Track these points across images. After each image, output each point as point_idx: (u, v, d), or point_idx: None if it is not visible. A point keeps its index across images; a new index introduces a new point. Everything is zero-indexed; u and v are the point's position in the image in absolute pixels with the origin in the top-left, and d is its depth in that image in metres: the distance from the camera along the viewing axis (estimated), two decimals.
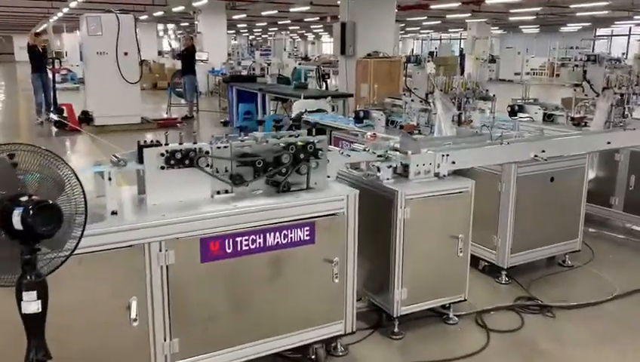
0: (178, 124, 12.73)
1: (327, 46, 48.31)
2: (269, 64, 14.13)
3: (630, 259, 5.10)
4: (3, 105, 18.22)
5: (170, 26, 35.13)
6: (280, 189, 3.09)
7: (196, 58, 15.14)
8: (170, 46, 30.96)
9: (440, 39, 44.68)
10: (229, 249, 2.83)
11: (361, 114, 5.82)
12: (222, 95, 16.05)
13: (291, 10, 22.93)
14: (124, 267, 2.61)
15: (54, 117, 12.08)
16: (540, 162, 4.13)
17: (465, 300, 3.81)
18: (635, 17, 27.82)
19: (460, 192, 3.61)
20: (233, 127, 11.69)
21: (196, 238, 2.74)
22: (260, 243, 2.91)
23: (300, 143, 3.12)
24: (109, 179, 2.70)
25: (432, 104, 4.89)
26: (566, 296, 4.25)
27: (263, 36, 46.73)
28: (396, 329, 3.63)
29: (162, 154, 2.82)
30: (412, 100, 5.29)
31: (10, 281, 1.99)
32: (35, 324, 2.00)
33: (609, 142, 4.59)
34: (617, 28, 36.50)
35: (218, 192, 2.99)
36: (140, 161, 2.82)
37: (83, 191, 2.16)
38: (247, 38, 46.77)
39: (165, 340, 2.75)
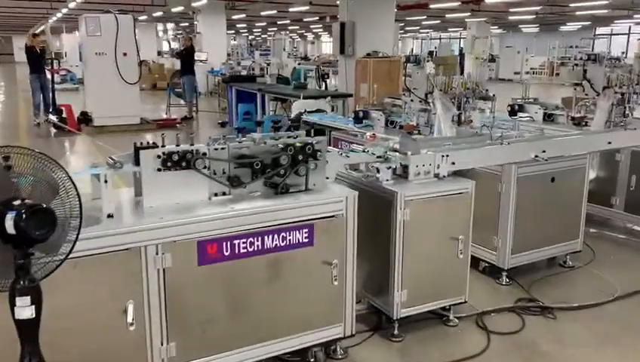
0: (177, 125, 12.71)
1: (327, 46, 48.26)
2: (268, 64, 14.10)
3: (631, 260, 5.07)
4: (2, 106, 18.20)
5: (170, 25, 35.09)
6: (278, 191, 3.06)
7: (195, 58, 15.11)
8: (169, 45, 30.94)
9: (439, 39, 44.66)
10: (226, 252, 2.80)
11: (361, 114, 5.79)
12: (221, 95, 16.02)
13: (291, 10, 22.90)
14: (120, 270, 2.58)
15: (53, 118, 12.05)
16: (541, 162, 4.11)
17: (465, 302, 3.78)
18: (635, 16, 27.79)
19: (460, 193, 3.58)
20: (232, 127, 11.66)
21: (193, 241, 2.71)
22: (258, 245, 2.88)
23: (298, 144, 3.09)
24: (105, 181, 2.67)
25: (431, 104, 4.86)
26: (567, 297, 4.22)
27: (263, 36, 46.71)
28: (396, 332, 3.61)
29: (159, 156, 2.79)
30: (411, 100, 5.26)
31: (4, 286, 1.97)
32: (28, 330, 1.98)
33: (610, 142, 4.57)
34: (617, 27, 36.46)
35: (216, 194, 2.96)
36: (137, 163, 2.80)
37: (78, 194, 2.14)
38: (247, 38, 46.77)
39: (162, 344, 2.72)
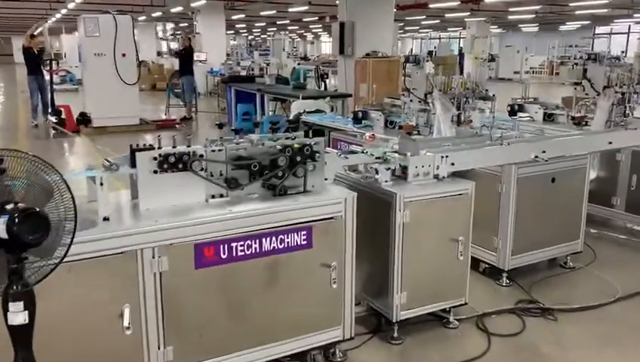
0: (177, 125, 12.68)
1: (327, 46, 48.26)
2: (267, 64, 14.07)
3: (632, 260, 5.04)
4: (1, 107, 18.18)
5: (169, 26, 35.07)
6: (276, 193, 3.03)
7: (195, 58, 15.06)
8: (168, 43, 30.89)
9: (439, 38, 44.66)
10: (224, 254, 2.77)
11: (360, 114, 5.77)
12: (221, 95, 16.00)
13: (290, 10, 22.88)
14: (116, 274, 2.55)
15: (52, 119, 12.02)
16: (541, 163, 4.08)
17: (466, 304, 3.75)
18: (635, 15, 27.77)
19: (459, 194, 3.55)
20: (232, 128, 11.62)
21: (190, 244, 2.69)
22: (255, 248, 2.85)
23: (296, 145, 3.07)
24: (101, 184, 2.64)
25: (431, 104, 4.83)
26: (568, 298, 4.19)
27: (262, 36, 46.69)
28: (396, 334, 3.58)
29: (155, 158, 2.76)
30: (411, 100, 5.23)
31: None
32: (22, 336, 1.95)
33: (610, 142, 4.54)
34: (616, 26, 36.45)
35: (213, 196, 2.93)
36: (133, 165, 2.77)
37: (72, 197, 2.11)
38: (246, 39, 46.76)
39: (159, 348, 2.69)
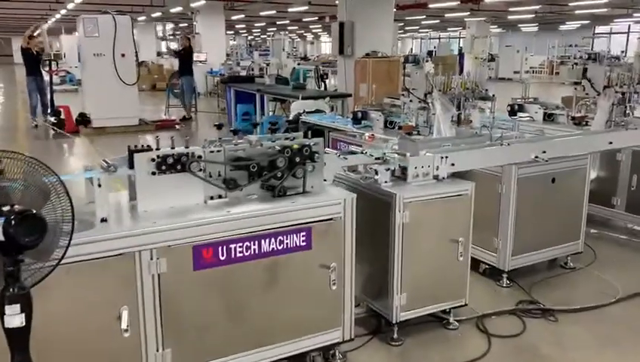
0: (176, 126, 12.67)
1: (327, 46, 48.27)
2: (267, 64, 14.05)
3: (633, 260, 5.02)
4: (1, 108, 18.18)
5: (169, 26, 35.06)
6: (275, 194, 3.02)
7: (194, 59, 15.03)
8: (167, 45, 30.86)
9: (439, 38, 44.66)
10: (222, 256, 2.75)
11: (359, 115, 5.75)
12: (220, 96, 15.98)
13: (290, 10, 22.87)
14: (114, 276, 2.54)
15: (52, 119, 12.00)
16: (541, 163, 4.06)
17: (466, 305, 3.73)
18: (635, 15, 27.76)
19: (459, 195, 3.54)
20: (232, 128, 11.60)
21: (188, 246, 2.67)
22: (254, 249, 2.83)
23: (295, 146, 3.05)
24: (99, 185, 2.62)
25: (430, 104, 4.81)
26: (568, 299, 4.18)
27: (262, 36, 46.68)
28: (395, 336, 3.56)
29: (153, 160, 2.74)
30: (410, 101, 5.22)
31: None
32: (18, 339, 1.94)
33: (611, 142, 4.52)
34: (616, 25, 36.44)
35: (211, 197, 2.91)
36: (131, 166, 2.75)
37: (70, 198, 2.10)
38: (246, 39, 46.74)
39: (158, 350, 2.68)
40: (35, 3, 20.56)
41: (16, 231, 1.83)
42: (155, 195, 2.77)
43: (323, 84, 13.52)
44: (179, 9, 21.59)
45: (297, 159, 3.04)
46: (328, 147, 5.23)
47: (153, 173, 2.75)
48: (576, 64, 26.03)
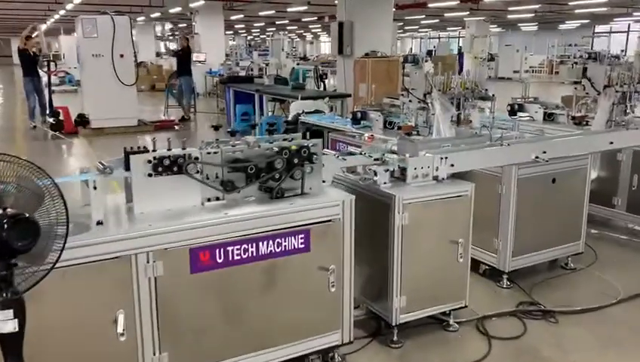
0: (175, 126, 12.64)
1: (326, 46, 48.28)
2: (267, 64, 14.02)
3: (633, 261, 4.99)
4: (1, 109, 18.14)
5: (168, 26, 35.05)
6: (273, 195, 2.99)
7: (194, 59, 15.00)
8: (165, 43, 30.86)
9: (438, 38, 44.65)
10: (220, 259, 2.72)
11: (359, 115, 5.72)
12: (220, 96, 15.95)
13: (289, 10, 22.86)
14: (110, 279, 2.51)
15: (50, 120, 11.97)
16: (541, 163, 4.03)
17: (466, 306, 3.70)
18: (635, 14, 27.74)
19: (459, 196, 3.51)
20: (230, 129, 11.57)
21: (185, 248, 2.64)
22: (252, 252, 2.80)
23: (293, 147, 3.02)
24: (94, 188, 2.60)
25: (430, 104, 4.78)
26: (569, 300, 4.15)
27: (261, 36, 46.66)
28: (395, 338, 3.53)
29: (149, 161, 2.72)
30: (410, 101, 5.18)
31: None
32: (11, 344, 1.91)
33: (612, 142, 4.49)
34: (616, 25, 36.43)
35: (209, 199, 2.89)
36: (127, 168, 2.72)
37: (64, 201, 2.07)
38: (246, 39, 46.73)
39: (154, 354, 2.65)
40: (34, 4, 20.53)
41: (9, 235, 1.81)
42: (152, 197, 2.74)
43: (322, 84, 13.49)
44: (178, 9, 21.57)
45: (295, 160, 3.01)
46: (327, 147, 5.20)
47: (150, 175, 2.73)
48: (575, 63, 26.10)
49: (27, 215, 1.88)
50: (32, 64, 12.57)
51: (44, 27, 20.60)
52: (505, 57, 29.51)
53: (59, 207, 2.07)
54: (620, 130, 4.86)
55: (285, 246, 2.89)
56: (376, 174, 3.44)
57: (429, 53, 30.37)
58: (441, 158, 3.56)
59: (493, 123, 4.58)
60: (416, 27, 39.47)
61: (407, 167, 3.48)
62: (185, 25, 30.95)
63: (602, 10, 24.98)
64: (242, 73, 14.97)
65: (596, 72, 5.82)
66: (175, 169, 2.76)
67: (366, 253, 3.38)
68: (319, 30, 41.97)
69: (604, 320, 3.94)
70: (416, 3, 18.77)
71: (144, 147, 2.77)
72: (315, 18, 28.14)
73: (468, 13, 25.12)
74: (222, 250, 2.72)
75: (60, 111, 12.01)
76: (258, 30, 43.12)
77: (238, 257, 2.77)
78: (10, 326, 1.87)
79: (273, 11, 23.97)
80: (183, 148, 2.82)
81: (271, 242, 2.85)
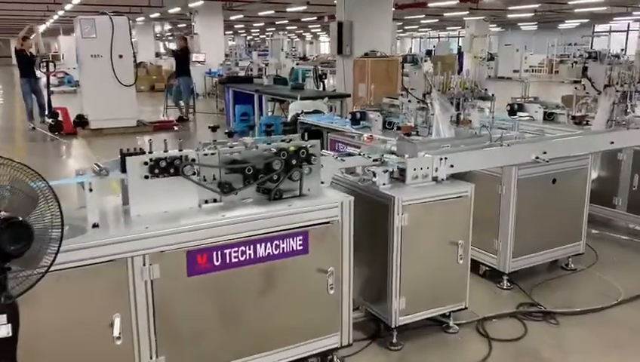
0: (174, 127, 12.61)
1: (326, 45, 48.27)
2: (266, 64, 13.99)
3: (634, 261, 4.97)
4: (0, 109, 18.10)
5: (167, 26, 35.04)
6: (271, 197, 2.96)
7: (193, 59, 14.96)
8: (164, 44, 30.84)
9: (438, 37, 44.62)
10: (217, 261, 2.70)
11: (358, 115, 5.70)
12: (219, 96, 15.92)
13: (288, 10, 22.84)
14: (106, 282, 2.49)
15: (49, 121, 11.94)
16: (542, 164, 4.01)
17: (465, 308, 3.68)
18: (634, 13, 27.73)
19: (459, 197, 3.48)
20: (227, 130, 11.54)
21: (182, 251, 2.62)
22: (250, 254, 2.78)
23: (292, 148, 3.00)
24: (90, 190, 2.57)
25: (429, 104, 4.76)
26: (569, 301, 4.12)
27: (261, 36, 46.64)
28: (395, 340, 3.51)
29: (146, 163, 2.69)
30: (409, 101, 5.16)
31: None
32: (5, 349, 1.89)
33: (612, 142, 4.47)
34: (616, 24, 36.41)
35: (206, 201, 2.86)
36: (123, 169, 2.70)
37: (59, 204, 2.04)
38: (245, 39, 46.70)
39: (151, 358, 2.62)
40: (34, 4, 20.50)
41: (2, 239, 1.79)
42: (148, 199, 2.71)
43: (322, 84, 13.47)
44: (177, 9, 21.53)
45: (294, 161, 2.98)
46: (327, 148, 5.18)
47: (146, 177, 2.70)
48: (575, 63, 26.07)
49: (20, 218, 1.85)
50: (29, 65, 12.54)
51: (42, 28, 20.58)
52: (504, 57, 29.49)
53: (53, 209, 2.04)
54: (620, 130, 4.84)
55: (283, 248, 2.87)
56: (375, 175, 3.41)
57: (429, 52, 30.33)
58: (441, 159, 3.54)
59: (492, 123, 4.56)
60: (416, 27, 39.46)
61: (406, 167, 3.46)
62: (184, 25, 30.93)
63: (602, 9, 24.96)
64: (242, 73, 14.94)
65: (596, 71, 5.80)
66: (172, 171, 2.73)
67: (365, 255, 3.36)
68: (319, 30, 41.95)
69: (605, 321, 3.91)
70: (416, 3, 18.74)
71: (140, 149, 2.74)
72: (315, 18, 28.12)
73: (467, 12, 25.09)
74: (219, 252, 2.70)
75: (59, 111, 11.99)
76: (257, 30, 43.11)
77: (236, 260, 2.74)
78: (4, 330, 1.84)
79: (272, 11, 23.95)
80: (180, 150, 2.79)
81: (269, 244, 2.83)
